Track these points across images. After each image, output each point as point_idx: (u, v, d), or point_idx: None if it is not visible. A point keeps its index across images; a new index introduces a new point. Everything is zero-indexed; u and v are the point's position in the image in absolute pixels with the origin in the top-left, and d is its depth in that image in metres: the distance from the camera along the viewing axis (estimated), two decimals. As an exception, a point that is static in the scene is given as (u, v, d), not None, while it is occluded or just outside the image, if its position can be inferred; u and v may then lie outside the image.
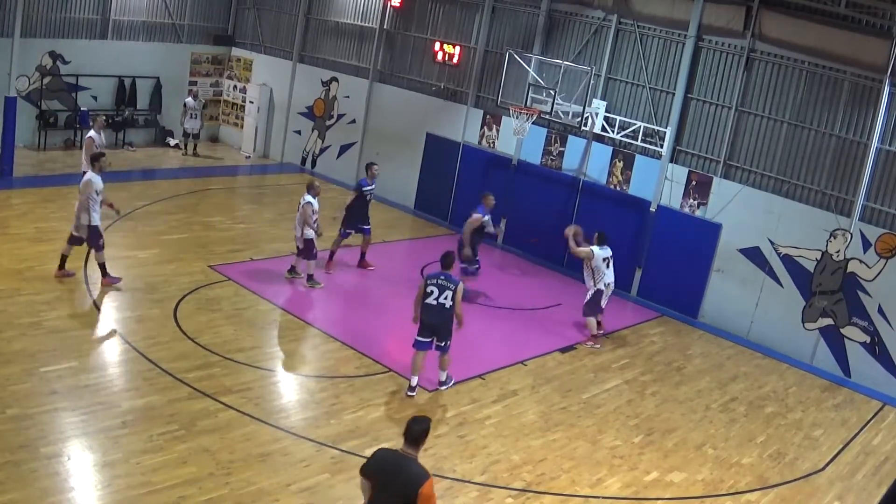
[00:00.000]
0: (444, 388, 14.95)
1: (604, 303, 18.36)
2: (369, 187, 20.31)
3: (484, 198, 19.79)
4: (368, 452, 12.23)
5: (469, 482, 12.28)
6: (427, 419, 8.58)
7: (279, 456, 12.17)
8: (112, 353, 14.75)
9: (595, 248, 18.08)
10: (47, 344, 14.40)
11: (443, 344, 14.55)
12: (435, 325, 14.35)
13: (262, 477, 11.56)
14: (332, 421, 13.36)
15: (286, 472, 11.80)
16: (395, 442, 12.78)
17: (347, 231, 20.31)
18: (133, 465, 11.29)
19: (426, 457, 12.29)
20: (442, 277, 14.26)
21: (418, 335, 14.47)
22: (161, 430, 12.21)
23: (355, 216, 20.27)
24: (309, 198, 18.63)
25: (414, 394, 14.53)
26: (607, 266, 18.09)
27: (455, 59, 25.53)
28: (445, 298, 14.16)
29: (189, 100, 30.34)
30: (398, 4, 27.09)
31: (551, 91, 21.28)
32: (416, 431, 8.38)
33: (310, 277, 19.01)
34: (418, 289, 14.50)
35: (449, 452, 12.95)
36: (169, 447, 11.84)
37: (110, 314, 16.32)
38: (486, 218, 19.57)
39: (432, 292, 14.21)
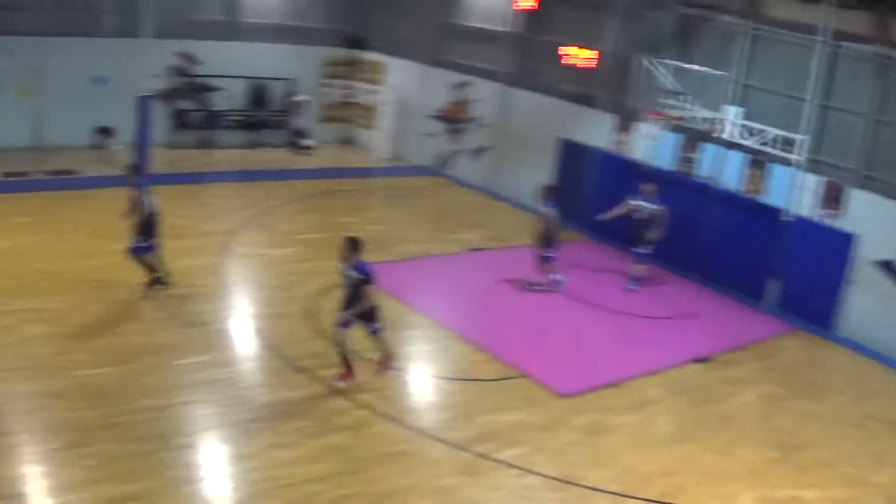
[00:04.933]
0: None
1: None
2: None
3: (643, 186, 20.21)
4: (500, 456, 12.53)
5: (600, 490, 12.23)
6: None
7: (410, 456, 12.36)
8: (247, 349, 15.25)
9: None
10: (181, 338, 14.99)
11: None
12: None
13: (392, 476, 11.77)
14: (464, 424, 13.48)
15: (417, 472, 11.98)
16: (527, 448, 12.95)
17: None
18: (265, 459, 11.65)
19: (556, 463, 12.49)
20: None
21: None
22: (294, 426, 12.55)
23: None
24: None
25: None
26: None
27: (586, 63, 25.39)
28: None
29: (300, 98, 31.12)
30: (530, 7, 27.08)
31: (685, 97, 21.06)
32: None
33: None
34: None
35: (581, 460, 12.92)
36: (301, 443, 12.16)
37: (245, 310, 16.83)
38: (643, 203, 20.14)
39: None
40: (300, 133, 31.50)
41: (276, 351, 15.00)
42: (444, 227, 23.76)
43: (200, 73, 28.84)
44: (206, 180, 26.42)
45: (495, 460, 12.43)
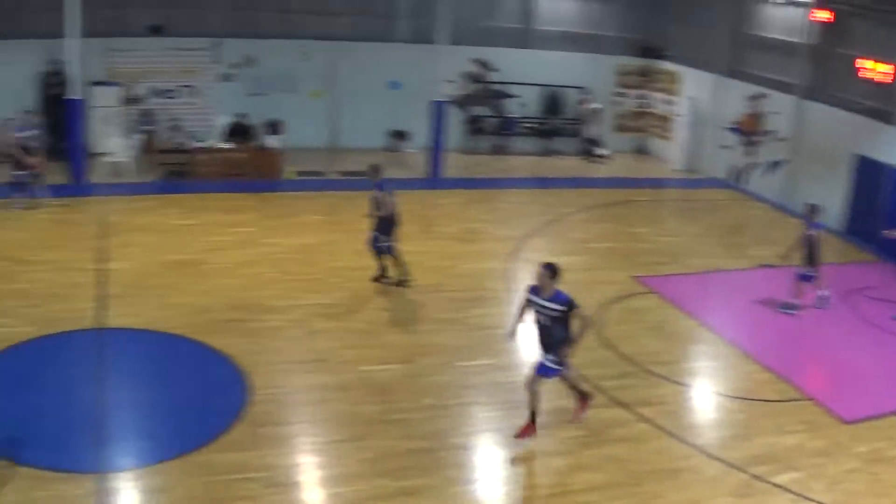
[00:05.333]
0: None
1: None
2: None
3: None
4: (776, 480, 11.82)
5: (881, 522, 11.31)
6: None
7: (689, 473, 11.84)
8: (529, 355, 15.05)
9: None
10: (466, 340, 15.14)
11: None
12: None
13: (670, 492, 11.32)
14: (743, 444, 12.79)
15: (694, 489, 11.46)
16: (805, 473, 12.10)
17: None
18: (540, 465, 11.56)
19: (834, 490, 11.70)
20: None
21: None
22: (571, 435, 12.33)
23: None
24: None
25: None
26: None
27: (883, 78, 23.71)
28: None
29: (593, 106, 30.76)
30: (826, 20, 25.68)
31: None
32: None
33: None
34: None
35: (860, 489, 11.93)
36: (577, 452, 11.96)
37: (531, 315, 16.73)
38: None
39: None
40: (593, 141, 31.29)
41: (559, 358, 14.79)
42: (737, 242, 22.82)
43: (495, 80, 29.16)
44: (499, 186, 26.71)
45: (771, 483, 11.70)
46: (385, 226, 17.19)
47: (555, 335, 11.70)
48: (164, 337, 14.89)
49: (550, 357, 11.79)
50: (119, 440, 11.79)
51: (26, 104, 25.50)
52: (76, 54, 23.56)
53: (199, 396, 12.94)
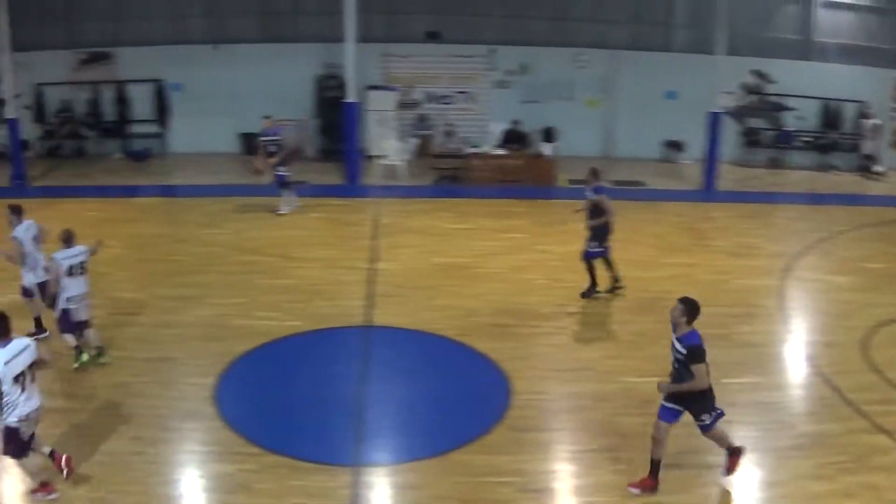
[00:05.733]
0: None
1: None
2: None
3: None
4: None
5: None
6: None
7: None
8: (796, 375, 15.16)
9: None
10: (732, 356, 14.95)
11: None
12: None
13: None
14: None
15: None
16: None
17: None
18: (797, 488, 11.43)
19: None
20: None
21: None
22: (831, 460, 12.16)
23: None
24: None
25: None
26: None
27: None
28: None
29: (872, 121, 29.73)
30: None
31: None
32: None
33: None
34: None
35: None
36: (835, 477, 11.74)
37: (800, 336, 16.66)
38: None
39: None
40: (870, 158, 30.26)
41: (826, 380, 14.59)
42: None
43: (772, 92, 28.76)
44: (773, 200, 26.37)
45: None
46: (601, 232, 17.25)
47: (683, 379, 10.72)
48: (429, 337, 15.65)
49: (670, 401, 10.94)
50: (377, 436, 12.50)
51: (304, 107, 27.25)
52: (353, 58, 24.89)
53: (460, 397, 13.44)
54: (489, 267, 19.23)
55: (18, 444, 10.21)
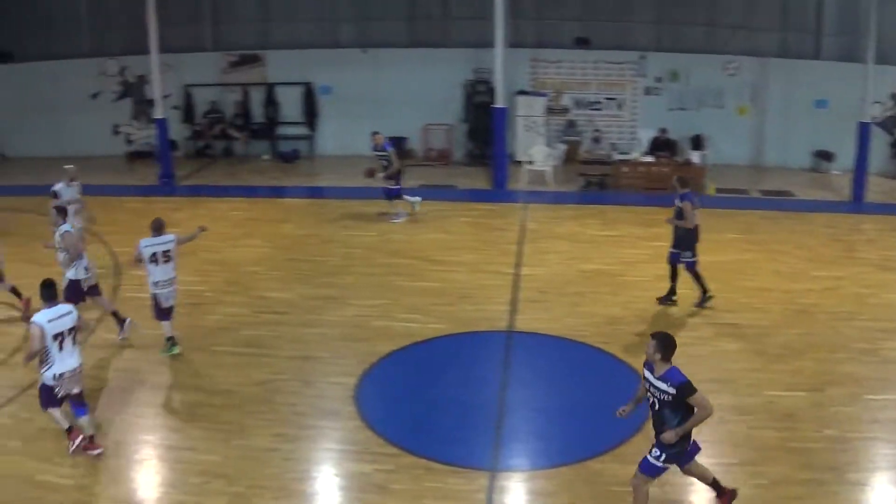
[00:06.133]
0: None
1: None
2: None
3: None
4: None
5: None
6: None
7: None
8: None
9: None
10: (878, 372, 14.79)
11: None
12: None
13: None
14: None
15: None
16: None
17: None
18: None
19: None
20: None
21: None
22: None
23: None
24: None
25: None
26: None
27: None
28: None
29: None
30: None
31: None
32: None
33: None
34: None
35: None
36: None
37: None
38: None
39: None
40: None
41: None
42: None
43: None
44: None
45: None
46: (687, 240, 17.26)
47: (666, 422, 9.89)
48: (571, 344, 15.90)
49: (655, 451, 10.07)
50: (514, 441, 12.74)
51: (452, 111, 27.78)
52: (502, 64, 25.33)
53: (599, 405, 12.95)
54: (635, 275, 19.36)
55: (50, 399, 11.84)
